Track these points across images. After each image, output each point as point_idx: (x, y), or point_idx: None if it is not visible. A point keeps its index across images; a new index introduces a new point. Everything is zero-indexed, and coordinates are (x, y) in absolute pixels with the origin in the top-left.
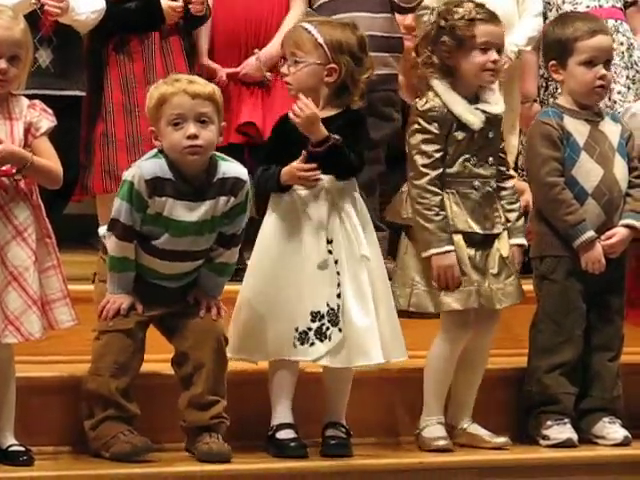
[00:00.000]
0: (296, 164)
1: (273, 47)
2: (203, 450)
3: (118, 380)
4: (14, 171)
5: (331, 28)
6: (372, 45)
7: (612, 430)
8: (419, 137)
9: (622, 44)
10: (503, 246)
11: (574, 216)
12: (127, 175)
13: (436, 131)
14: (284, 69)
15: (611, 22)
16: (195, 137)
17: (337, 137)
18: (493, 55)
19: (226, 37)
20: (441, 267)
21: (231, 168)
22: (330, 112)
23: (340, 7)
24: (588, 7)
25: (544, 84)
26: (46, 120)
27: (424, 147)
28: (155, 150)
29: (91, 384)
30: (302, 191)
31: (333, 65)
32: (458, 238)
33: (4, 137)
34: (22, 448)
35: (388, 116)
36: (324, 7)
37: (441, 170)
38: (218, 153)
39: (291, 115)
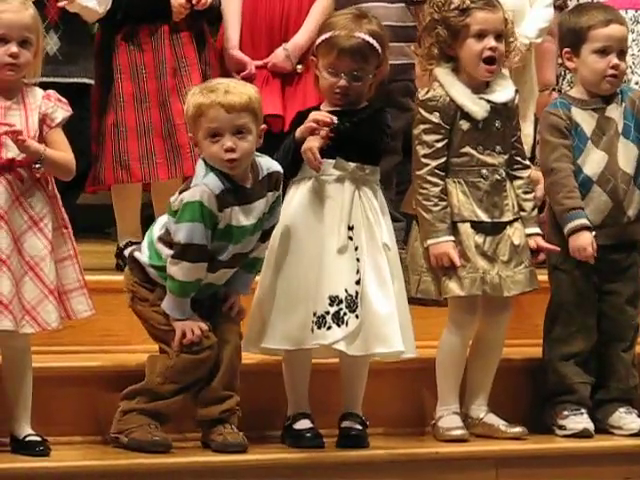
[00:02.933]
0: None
1: (301, 37)
2: (219, 441)
3: (192, 390)
4: (35, 165)
5: (378, 27)
6: (389, 35)
7: (629, 420)
8: (420, 127)
9: None
10: (515, 234)
11: (572, 201)
12: (191, 197)
13: (437, 120)
14: (342, 82)
15: (631, 12)
16: (232, 150)
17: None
18: (490, 42)
19: (255, 27)
20: (437, 255)
21: (269, 163)
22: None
23: None
24: None
25: (562, 72)
26: (61, 110)
27: (425, 137)
28: (203, 166)
29: (162, 386)
30: (326, 176)
31: (383, 66)
32: (465, 226)
33: (19, 127)
34: (39, 438)
35: (405, 106)
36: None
37: (443, 160)
38: None
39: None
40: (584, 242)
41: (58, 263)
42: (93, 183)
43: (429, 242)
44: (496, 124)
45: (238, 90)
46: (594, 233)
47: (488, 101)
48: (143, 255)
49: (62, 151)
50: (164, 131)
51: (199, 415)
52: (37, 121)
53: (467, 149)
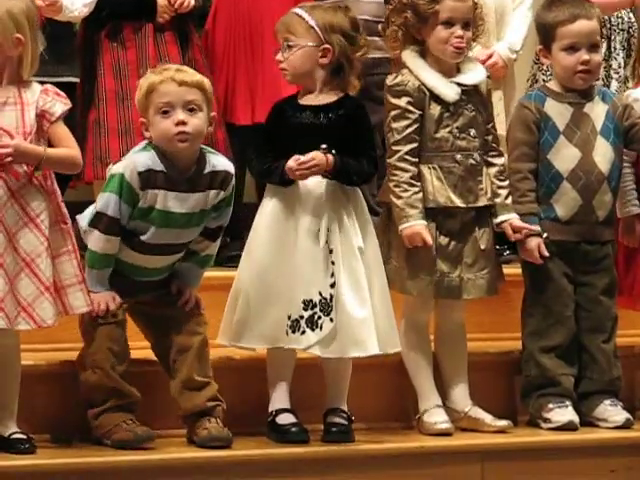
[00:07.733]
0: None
1: None
2: (203, 436)
3: (118, 369)
4: (31, 170)
5: (323, 11)
6: (364, 29)
7: (614, 412)
8: (390, 114)
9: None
10: (483, 237)
11: (522, 206)
12: (117, 169)
13: (405, 105)
14: (279, 56)
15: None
16: (183, 124)
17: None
18: (457, 31)
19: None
20: (409, 236)
21: (220, 161)
22: (329, 98)
23: None
24: None
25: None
26: (60, 104)
27: (393, 124)
28: (144, 143)
29: (91, 377)
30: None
31: (326, 45)
32: (431, 226)
33: (14, 123)
34: (24, 436)
35: (383, 100)
36: None
37: (414, 145)
38: (205, 146)
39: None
40: (531, 247)
41: (56, 258)
42: (74, 178)
43: (401, 227)
44: (468, 107)
45: (190, 71)
46: (545, 235)
47: (459, 84)
48: (83, 220)
49: (65, 144)
50: None
51: (183, 410)
52: (34, 117)
53: (442, 133)
